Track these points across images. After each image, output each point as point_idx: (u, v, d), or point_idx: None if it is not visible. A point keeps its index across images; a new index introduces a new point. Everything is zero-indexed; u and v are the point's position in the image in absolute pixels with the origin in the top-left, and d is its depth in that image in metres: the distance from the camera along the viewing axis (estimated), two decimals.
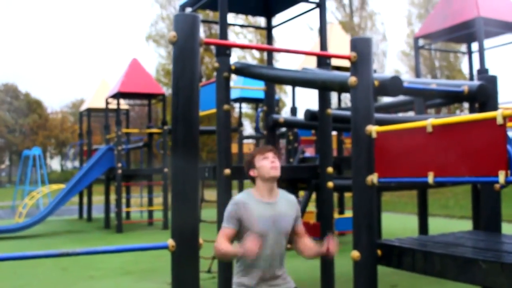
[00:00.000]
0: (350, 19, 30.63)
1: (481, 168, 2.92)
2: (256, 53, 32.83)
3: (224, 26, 5.42)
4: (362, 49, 3.62)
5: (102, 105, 16.42)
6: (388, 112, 8.80)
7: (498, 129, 2.82)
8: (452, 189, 20.07)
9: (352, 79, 3.59)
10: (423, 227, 8.21)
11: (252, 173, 3.24)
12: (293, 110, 10.74)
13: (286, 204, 3.24)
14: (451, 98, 4.99)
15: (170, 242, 2.90)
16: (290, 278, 3.27)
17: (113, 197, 14.14)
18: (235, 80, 15.58)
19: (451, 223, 13.67)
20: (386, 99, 10.88)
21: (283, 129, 10.68)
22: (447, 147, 3.11)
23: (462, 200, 17.95)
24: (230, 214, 3.07)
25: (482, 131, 2.91)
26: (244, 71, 5.59)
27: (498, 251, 3.32)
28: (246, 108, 24.95)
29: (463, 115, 8.00)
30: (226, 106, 5.39)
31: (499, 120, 2.81)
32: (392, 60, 59.02)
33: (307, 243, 3.28)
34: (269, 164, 3.20)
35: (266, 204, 3.15)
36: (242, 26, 24.76)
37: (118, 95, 13.92)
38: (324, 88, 5.18)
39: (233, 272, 5.54)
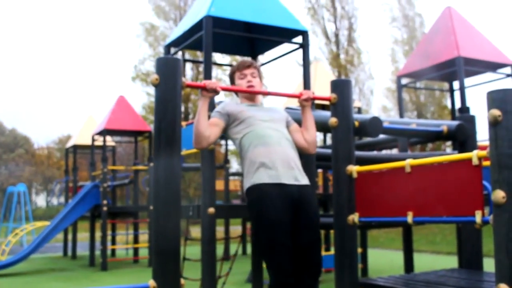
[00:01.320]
0: (337, 57, 31.03)
1: (458, 208, 2.97)
2: None
3: (208, 67, 5.50)
4: (342, 90, 3.70)
5: (88, 141, 16.42)
6: (373, 150, 8.90)
7: (474, 170, 2.89)
8: (439, 225, 20.12)
9: (333, 120, 3.67)
10: (409, 264, 8.21)
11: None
12: None
13: (271, 107, 3.60)
14: (431, 138, 5.08)
15: (151, 283, 2.90)
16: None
17: (98, 234, 14.02)
18: None
19: (438, 259, 13.66)
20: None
21: None
22: (425, 187, 3.17)
23: (449, 236, 17.98)
24: (218, 111, 3.42)
25: (459, 171, 2.98)
26: None
27: None
28: (232, 145, 25.00)
29: (447, 152, 8.11)
30: (210, 146, 5.42)
31: (475, 161, 2.88)
32: (379, 97, 59.91)
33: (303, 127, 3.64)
34: (245, 83, 3.43)
35: (251, 104, 3.49)
36: (227, 65, 25.07)
37: (104, 132, 13.95)
38: None
39: None
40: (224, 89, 3.44)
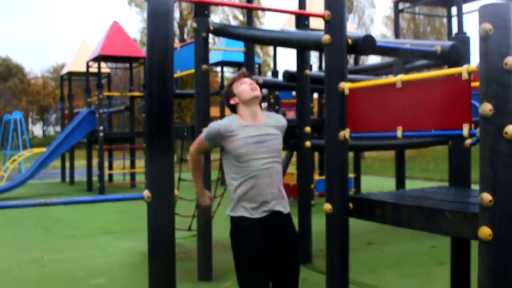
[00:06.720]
0: None
1: (447, 122, 3.03)
2: (240, 16, 32.83)
3: None
4: (335, 7, 3.67)
5: (83, 68, 16.31)
6: (369, 75, 8.88)
7: (463, 84, 2.92)
8: (433, 153, 20.40)
9: (326, 37, 3.65)
10: (400, 184, 8.41)
11: (232, 101, 3.29)
12: (274, 73, 10.80)
13: (273, 123, 3.30)
14: (425, 58, 5.07)
15: (146, 193, 2.98)
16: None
17: (95, 160, 14.18)
18: (218, 43, 15.52)
19: (430, 184, 13.92)
20: (368, 62, 10.97)
21: (265, 92, 10.75)
22: (415, 103, 3.21)
23: (442, 164, 18.26)
24: (210, 135, 3.16)
25: (448, 86, 3.01)
26: (222, 31, 5.61)
27: (463, 202, 3.45)
28: (228, 72, 24.96)
29: None
30: (204, 66, 5.43)
31: (464, 76, 2.90)
32: (379, 26, 59.04)
33: None
34: (248, 86, 3.26)
35: (251, 126, 3.19)
36: None
37: (99, 58, 13.84)
38: (300, 47, 5.23)
39: (212, 228, 5.67)
40: (215, 3, 3.40)
